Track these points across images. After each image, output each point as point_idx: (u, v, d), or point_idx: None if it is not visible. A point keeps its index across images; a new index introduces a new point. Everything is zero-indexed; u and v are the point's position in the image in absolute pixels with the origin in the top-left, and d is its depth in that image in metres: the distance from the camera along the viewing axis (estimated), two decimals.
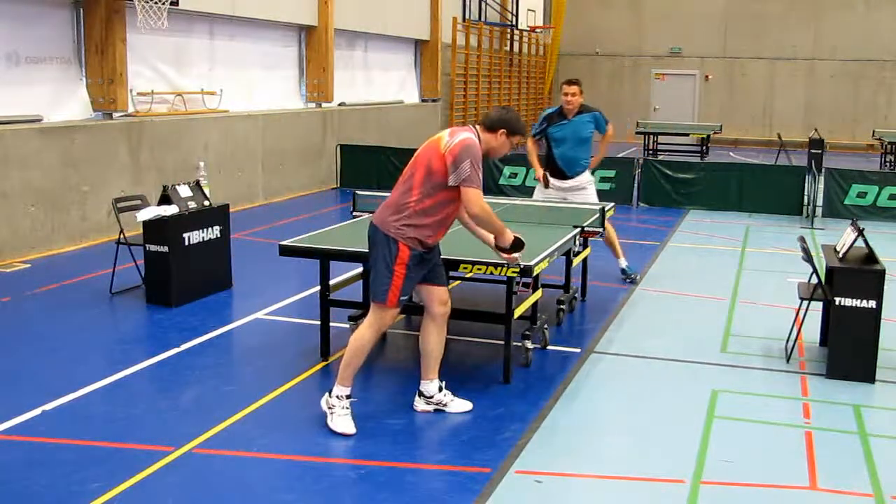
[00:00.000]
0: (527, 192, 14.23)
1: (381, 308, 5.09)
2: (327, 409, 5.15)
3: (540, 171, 8.80)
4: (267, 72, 14.55)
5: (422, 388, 5.44)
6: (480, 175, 5.01)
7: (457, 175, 4.95)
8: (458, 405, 5.46)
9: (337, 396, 5.10)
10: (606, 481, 4.69)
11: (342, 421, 5.07)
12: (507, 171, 14.89)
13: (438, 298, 5.30)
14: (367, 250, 6.13)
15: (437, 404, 5.42)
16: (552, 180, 8.75)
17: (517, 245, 5.32)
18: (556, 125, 8.64)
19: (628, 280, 8.89)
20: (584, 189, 8.74)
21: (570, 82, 8.53)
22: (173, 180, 8.67)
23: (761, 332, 7.23)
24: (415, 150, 5.34)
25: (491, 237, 5.35)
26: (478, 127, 5.22)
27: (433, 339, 5.36)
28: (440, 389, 5.44)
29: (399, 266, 5.02)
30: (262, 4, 13.56)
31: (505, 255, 5.34)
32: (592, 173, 8.87)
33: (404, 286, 5.05)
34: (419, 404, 5.44)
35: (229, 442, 4.96)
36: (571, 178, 8.69)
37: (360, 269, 6.88)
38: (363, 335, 5.12)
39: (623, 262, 8.94)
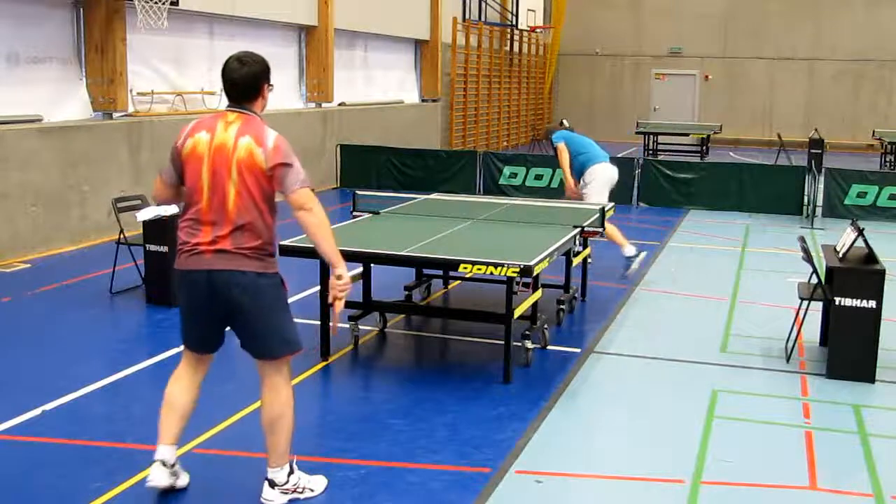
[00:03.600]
0: (527, 192, 14.26)
1: (291, 356, 4.32)
2: (290, 495, 4.31)
3: (571, 181, 9.56)
4: None
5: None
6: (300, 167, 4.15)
7: (291, 182, 4.05)
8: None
9: (288, 475, 4.31)
10: (606, 481, 4.69)
11: (317, 482, 4.43)
12: (506, 171, 14.88)
13: None
14: (366, 250, 6.16)
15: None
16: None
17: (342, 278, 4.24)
18: (574, 135, 9.76)
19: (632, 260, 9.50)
20: (588, 190, 9.43)
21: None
22: None
23: (761, 332, 7.23)
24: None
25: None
26: (246, 105, 4.16)
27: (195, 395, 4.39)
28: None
29: (286, 298, 4.30)
30: (262, 4, 13.56)
31: (335, 284, 4.21)
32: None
33: None
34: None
35: (229, 442, 4.96)
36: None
37: (359, 269, 6.87)
38: (290, 398, 4.28)
39: (630, 250, 9.46)
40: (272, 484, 4.30)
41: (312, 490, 4.38)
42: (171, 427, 4.34)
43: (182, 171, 4.16)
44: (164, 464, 4.27)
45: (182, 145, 4.15)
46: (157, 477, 4.25)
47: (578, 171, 9.42)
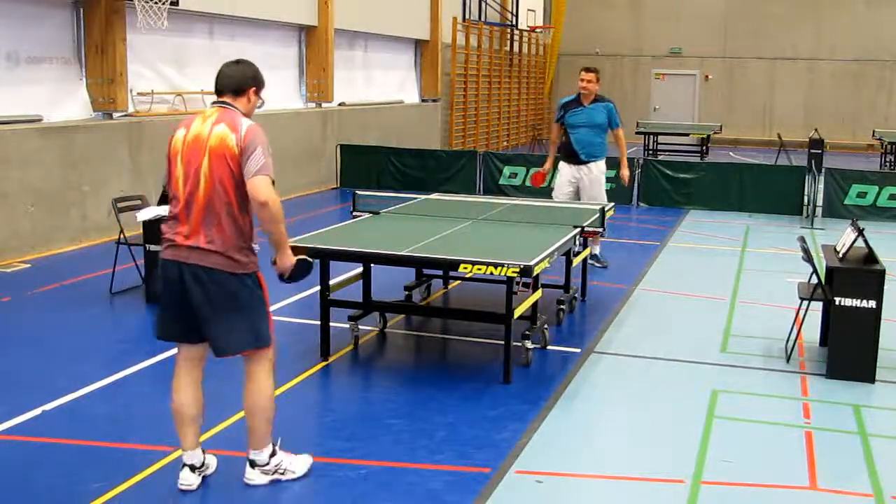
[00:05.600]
0: (527, 192, 14.25)
1: (268, 350, 4.38)
2: (271, 476, 4.46)
3: (548, 164, 9.56)
4: (267, 72, 14.18)
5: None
6: (272, 160, 4.17)
7: (252, 164, 4.09)
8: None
9: (270, 456, 4.45)
10: (606, 481, 4.69)
11: (299, 463, 4.55)
12: (506, 171, 14.89)
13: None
14: (366, 250, 6.17)
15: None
16: (568, 166, 9.25)
17: (300, 269, 4.47)
18: (572, 112, 9.18)
19: (599, 265, 9.23)
20: (597, 179, 9.22)
21: (588, 69, 9.14)
22: None
23: (761, 332, 7.23)
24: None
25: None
26: (227, 98, 4.28)
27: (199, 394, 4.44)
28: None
29: (266, 295, 4.35)
30: (262, 4, 13.56)
31: (281, 271, 4.41)
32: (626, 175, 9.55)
33: None
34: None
35: (229, 442, 4.96)
36: (586, 162, 9.16)
37: (360, 269, 6.87)
38: (269, 388, 4.39)
39: (596, 249, 9.29)
40: (253, 464, 4.46)
41: (294, 472, 4.52)
42: (188, 435, 4.43)
43: (168, 169, 4.30)
44: (192, 468, 4.41)
45: (168, 145, 4.31)
46: (188, 480, 4.40)
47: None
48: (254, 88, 4.33)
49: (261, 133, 4.16)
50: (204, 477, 4.48)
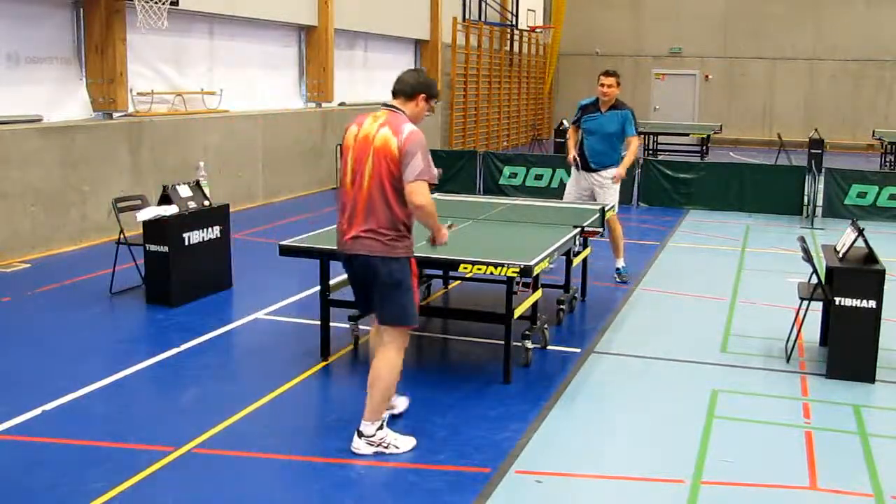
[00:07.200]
0: (527, 192, 14.26)
1: (410, 329, 4.90)
2: (375, 448, 4.79)
3: (572, 154, 8.96)
4: (267, 72, 14.55)
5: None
6: (431, 164, 4.70)
7: (411, 171, 4.63)
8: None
9: (378, 429, 4.81)
10: (606, 481, 4.69)
11: (403, 442, 4.86)
12: (506, 171, 14.89)
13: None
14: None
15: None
16: (579, 172, 8.92)
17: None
18: (588, 117, 8.84)
19: (619, 281, 8.90)
20: (607, 187, 8.80)
21: (608, 73, 8.73)
22: (173, 180, 8.66)
23: (761, 332, 7.23)
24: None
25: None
26: (395, 102, 4.85)
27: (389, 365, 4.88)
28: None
29: (415, 280, 4.87)
30: (262, 4, 13.56)
31: (437, 241, 5.11)
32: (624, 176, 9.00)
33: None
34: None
35: (229, 442, 4.96)
36: (596, 171, 8.82)
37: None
38: (397, 363, 4.83)
39: (620, 263, 8.98)
40: (360, 434, 4.82)
41: (398, 447, 4.84)
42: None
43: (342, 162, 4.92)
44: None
45: (342, 139, 4.96)
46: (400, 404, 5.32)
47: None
48: (424, 95, 4.86)
49: (420, 138, 4.70)
50: (392, 415, 5.18)
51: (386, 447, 4.81)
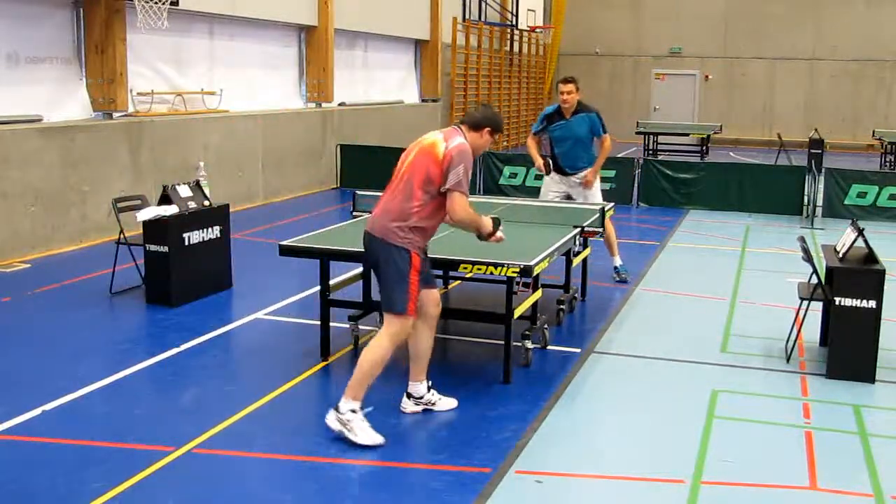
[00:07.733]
0: (527, 192, 14.25)
1: (402, 318, 5.05)
2: (341, 426, 4.96)
3: (539, 161, 8.84)
4: (267, 72, 14.54)
5: (410, 389, 5.45)
6: (468, 181, 5.09)
7: (450, 179, 4.99)
8: (446, 403, 5.49)
9: (351, 410, 4.96)
10: (606, 481, 4.69)
11: (366, 433, 4.94)
12: (506, 171, 14.89)
13: (434, 300, 5.34)
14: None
15: (426, 404, 5.44)
16: (557, 176, 8.85)
17: (496, 225, 5.37)
18: (556, 125, 8.76)
19: (619, 279, 8.91)
20: (588, 187, 8.79)
21: (565, 80, 8.60)
22: (173, 180, 8.67)
23: (761, 332, 7.23)
24: None
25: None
26: (462, 127, 5.23)
27: (426, 340, 5.37)
28: (428, 389, 5.45)
29: (414, 274, 5.03)
30: (262, 4, 13.56)
31: (492, 240, 5.37)
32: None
33: (419, 292, 5.10)
34: (408, 405, 5.44)
35: (229, 442, 4.96)
36: (573, 175, 8.81)
37: (360, 269, 6.87)
38: (385, 347, 5.02)
39: (617, 261, 8.99)
40: (336, 409, 5.02)
41: (359, 438, 4.92)
42: (411, 368, 5.43)
43: None
44: (409, 396, 5.43)
45: None
46: (403, 403, 5.46)
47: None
48: (489, 129, 5.22)
49: (468, 154, 5.04)
50: (426, 409, 5.42)
51: (350, 430, 4.92)
